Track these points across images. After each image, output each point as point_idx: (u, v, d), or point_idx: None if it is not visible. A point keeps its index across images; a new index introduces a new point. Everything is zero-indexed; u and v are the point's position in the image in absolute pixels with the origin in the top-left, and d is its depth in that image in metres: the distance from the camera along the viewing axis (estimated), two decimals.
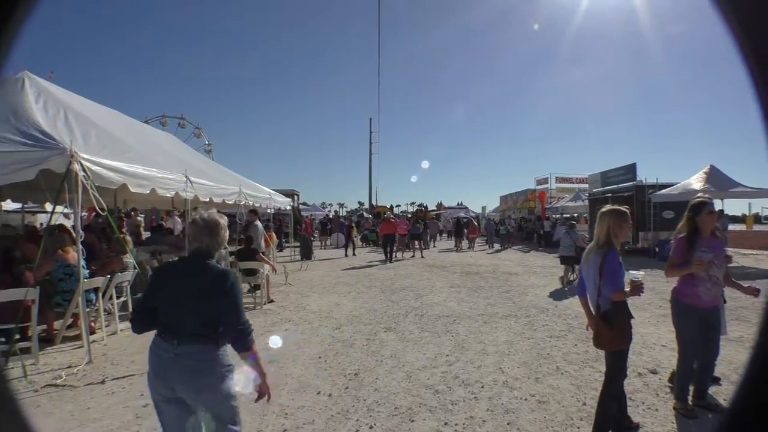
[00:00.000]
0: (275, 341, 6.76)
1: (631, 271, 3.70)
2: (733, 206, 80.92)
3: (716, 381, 5.20)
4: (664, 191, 20.46)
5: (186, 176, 8.71)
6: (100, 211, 6.39)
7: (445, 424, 4.34)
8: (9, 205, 16.04)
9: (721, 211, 20.24)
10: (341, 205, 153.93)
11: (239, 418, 2.80)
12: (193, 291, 2.68)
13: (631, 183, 23.75)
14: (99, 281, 7.04)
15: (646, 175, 24.07)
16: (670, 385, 5.09)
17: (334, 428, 4.26)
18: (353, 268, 17.73)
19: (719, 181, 19.17)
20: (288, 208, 17.16)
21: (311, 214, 41.63)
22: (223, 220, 2.98)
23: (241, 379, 2.79)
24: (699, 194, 4.97)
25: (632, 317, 3.78)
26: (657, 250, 19.10)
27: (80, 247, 6.24)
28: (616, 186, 25.24)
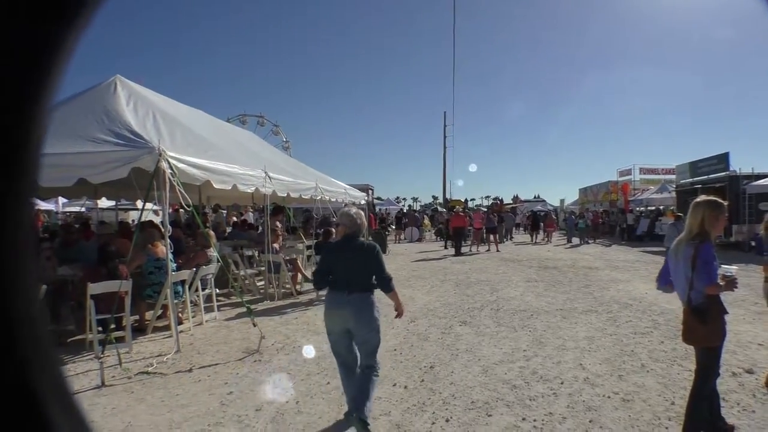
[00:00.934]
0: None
1: (723, 266, 3.48)
2: None
3: None
4: (760, 182, 19.09)
5: (265, 172, 8.97)
6: (185, 207, 6.70)
7: (523, 419, 4.25)
8: (104, 202, 17.19)
9: None
10: (415, 200, 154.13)
11: (379, 347, 4.29)
12: (357, 258, 4.09)
13: (724, 173, 22.27)
14: (185, 274, 7.38)
15: (740, 165, 22.48)
16: None
17: (411, 420, 4.27)
18: (427, 260, 17.71)
19: None
20: (363, 202, 17.36)
21: (386, 209, 41.93)
22: (362, 213, 4.41)
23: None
24: None
25: (726, 312, 3.55)
26: (753, 244, 17.85)
27: (168, 241, 6.58)
28: (706, 177, 23.75)
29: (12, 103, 0.63)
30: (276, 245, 10.81)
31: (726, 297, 3.58)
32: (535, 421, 4.21)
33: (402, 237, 29.50)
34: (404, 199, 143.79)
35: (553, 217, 34.35)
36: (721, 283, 3.43)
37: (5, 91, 0.62)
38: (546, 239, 27.85)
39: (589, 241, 25.76)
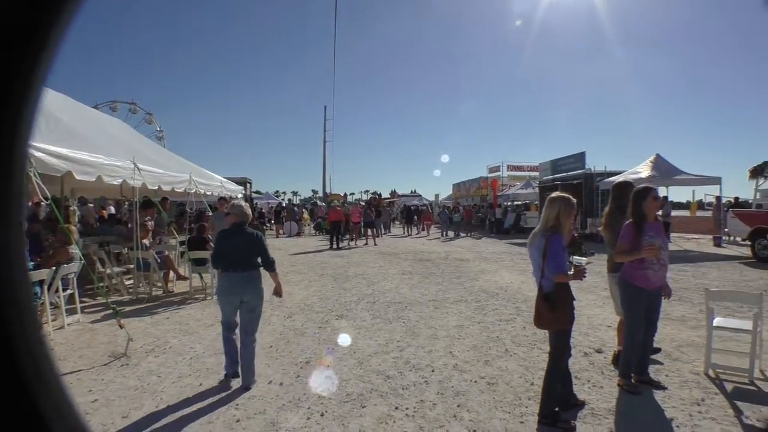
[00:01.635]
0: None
1: (575, 257, 3.79)
2: (678, 193, 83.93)
3: (656, 351, 5.42)
4: (612, 179, 21.08)
5: (134, 163, 8.42)
6: (43, 200, 6.11)
7: (396, 408, 4.35)
8: None
9: (665, 197, 21.04)
10: (295, 194, 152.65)
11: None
12: (245, 243, 4.97)
13: (581, 171, 24.38)
14: (44, 273, 6.74)
15: (594, 164, 24.76)
16: (614, 363, 5.25)
17: (286, 417, 4.21)
18: (305, 253, 17.61)
19: (664, 169, 19.93)
20: (240, 196, 16.85)
21: (266, 203, 41.05)
22: (246, 204, 5.39)
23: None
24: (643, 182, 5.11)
25: (574, 299, 3.87)
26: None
27: (23, 238, 5.96)
28: (565, 174, 25.85)
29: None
30: (146, 241, 10.19)
31: (581, 284, 3.90)
32: (407, 409, 4.33)
33: (281, 232, 28.98)
34: (284, 192, 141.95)
35: (430, 211, 35.53)
36: (570, 272, 3.73)
37: None
38: (421, 231, 28.77)
39: (463, 235, 26.99)
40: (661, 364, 5.37)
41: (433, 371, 5.27)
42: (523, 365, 5.41)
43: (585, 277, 3.78)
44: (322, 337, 6.69)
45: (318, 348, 6.18)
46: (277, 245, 21.95)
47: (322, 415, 4.24)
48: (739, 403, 4.34)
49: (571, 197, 3.95)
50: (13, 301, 0.69)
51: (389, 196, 56.94)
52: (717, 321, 5.27)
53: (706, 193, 23.14)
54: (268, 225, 28.93)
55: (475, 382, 4.95)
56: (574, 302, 3.89)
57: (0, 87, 0.63)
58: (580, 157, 25.06)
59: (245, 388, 4.81)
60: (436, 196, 52.04)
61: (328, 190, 54.15)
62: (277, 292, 5.33)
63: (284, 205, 41.76)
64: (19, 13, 0.64)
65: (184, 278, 10.48)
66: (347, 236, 23.40)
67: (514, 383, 4.89)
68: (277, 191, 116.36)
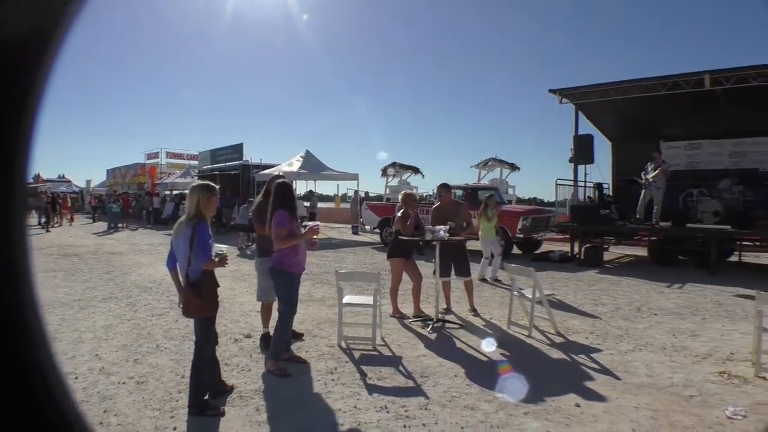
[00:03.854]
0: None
1: (216, 245, 4.00)
2: (325, 187, 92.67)
3: (299, 337, 6.03)
4: (266, 171, 22.26)
5: None
6: None
7: None
8: None
9: (311, 191, 23.40)
10: None
11: None
12: None
13: (239, 162, 25.06)
14: None
15: (252, 155, 25.75)
16: (263, 346, 5.65)
17: None
18: None
19: (312, 165, 22.03)
20: None
21: None
22: None
23: None
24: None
25: (218, 285, 4.10)
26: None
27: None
28: (224, 164, 26.24)
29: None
30: None
31: (232, 273, 4.11)
32: None
33: None
34: None
35: (69, 198, 31.83)
36: (215, 260, 3.93)
37: None
38: (57, 223, 25.39)
39: (120, 226, 24.91)
40: (303, 340, 6.01)
41: (76, 378, 4.84)
42: (174, 359, 5.39)
43: (227, 264, 4.08)
44: None
45: None
46: None
47: None
48: (364, 367, 5.15)
49: (211, 184, 4.14)
50: None
51: (32, 182, 48.52)
52: (346, 298, 6.16)
53: (348, 188, 26.54)
54: None
55: (124, 383, 4.73)
56: (218, 289, 4.12)
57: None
58: (239, 148, 25.76)
59: None
60: (88, 182, 46.73)
61: None
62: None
63: None
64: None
65: None
66: None
67: (164, 379, 4.84)
68: None
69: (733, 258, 13.40)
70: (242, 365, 5.22)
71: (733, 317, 7.25)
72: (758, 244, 13.18)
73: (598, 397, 4.38)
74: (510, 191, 22.21)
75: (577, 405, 4.19)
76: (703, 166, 15.01)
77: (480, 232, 9.67)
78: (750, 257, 13.82)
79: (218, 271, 4.12)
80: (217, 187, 4.21)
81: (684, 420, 3.96)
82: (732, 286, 9.25)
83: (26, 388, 0.77)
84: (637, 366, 5.23)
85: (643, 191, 12.73)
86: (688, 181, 14.42)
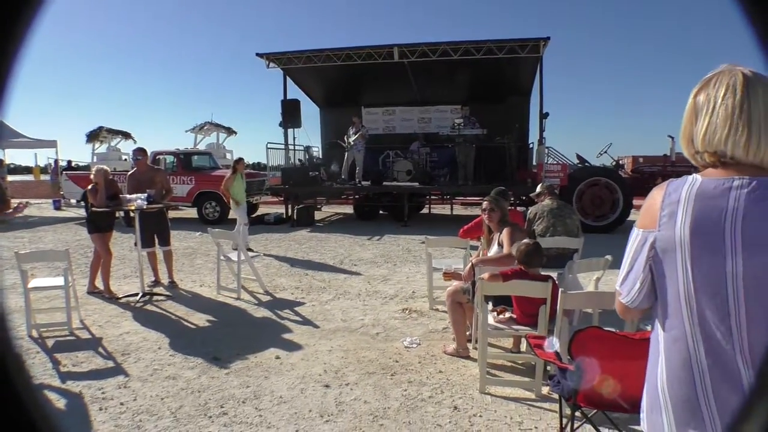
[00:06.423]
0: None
1: None
2: (21, 157, 79.39)
3: None
4: None
5: None
6: None
7: None
8: None
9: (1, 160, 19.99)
10: None
11: None
12: None
13: None
14: None
15: None
16: None
17: None
18: None
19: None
20: None
21: None
22: None
23: None
24: None
25: None
26: None
27: None
28: None
29: None
30: None
31: None
32: None
33: None
34: None
35: None
36: None
37: None
38: None
39: None
40: None
41: None
42: None
43: None
44: None
45: None
46: None
47: None
48: (58, 355, 4.75)
49: None
50: None
51: None
52: (33, 282, 5.59)
53: (48, 157, 23.03)
54: None
55: None
56: None
57: None
58: None
59: None
60: None
61: None
62: None
63: None
64: None
65: None
66: None
67: None
68: None
69: (425, 211, 15.73)
70: None
71: (418, 261, 8.54)
72: (442, 197, 15.65)
73: (297, 347, 4.85)
74: (228, 156, 22.02)
75: (277, 357, 4.59)
76: (398, 131, 17.01)
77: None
78: (438, 209, 16.34)
79: None
80: None
81: (369, 355, 4.65)
82: (420, 235, 10.65)
83: None
84: (335, 313, 5.90)
85: (347, 153, 14.02)
86: (386, 144, 16.31)
